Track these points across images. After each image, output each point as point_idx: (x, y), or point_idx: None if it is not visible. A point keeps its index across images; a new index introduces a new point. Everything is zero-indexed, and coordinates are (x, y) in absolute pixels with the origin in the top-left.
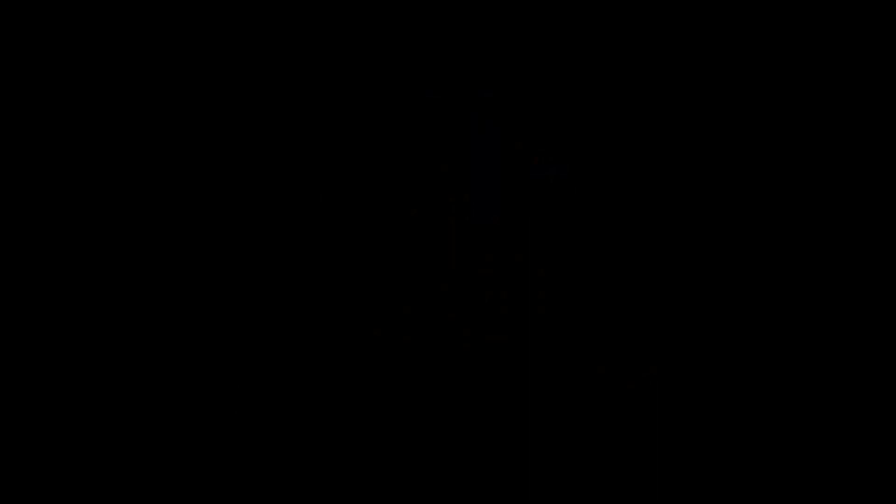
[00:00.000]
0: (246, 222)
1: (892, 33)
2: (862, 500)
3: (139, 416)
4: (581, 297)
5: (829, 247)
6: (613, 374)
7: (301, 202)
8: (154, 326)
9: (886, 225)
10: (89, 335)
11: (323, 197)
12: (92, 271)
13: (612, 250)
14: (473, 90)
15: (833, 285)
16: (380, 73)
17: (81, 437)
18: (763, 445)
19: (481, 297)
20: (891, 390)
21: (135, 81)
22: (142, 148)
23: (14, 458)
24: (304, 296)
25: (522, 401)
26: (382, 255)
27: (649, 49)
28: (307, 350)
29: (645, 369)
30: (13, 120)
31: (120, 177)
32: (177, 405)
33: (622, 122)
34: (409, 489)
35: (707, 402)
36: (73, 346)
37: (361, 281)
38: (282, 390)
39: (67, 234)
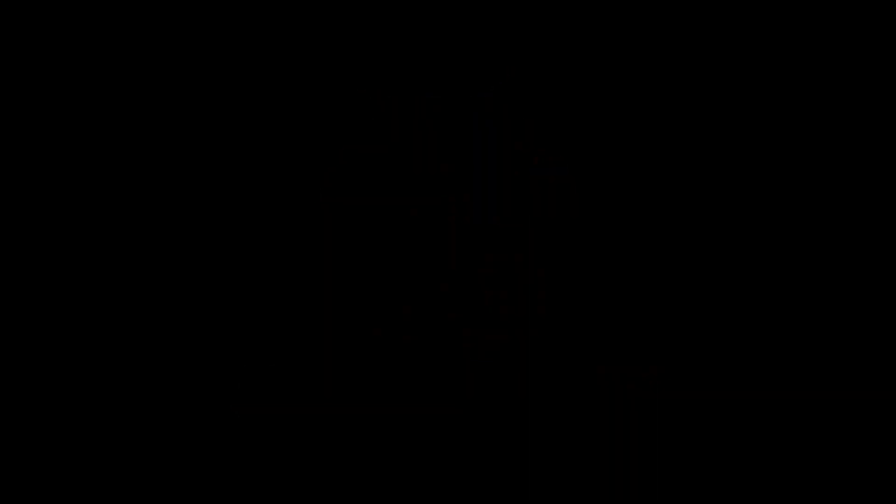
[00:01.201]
0: (246, 222)
1: (893, 33)
2: (862, 500)
3: (140, 416)
4: (581, 297)
5: (828, 247)
6: (613, 374)
7: (301, 202)
8: (154, 327)
9: (886, 225)
10: (90, 335)
11: (323, 197)
12: (92, 272)
13: (611, 251)
14: (473, 90)
15: (833, 285)
16: (380, 73)
17: (82, 437)
18: (763, 445)
19: (481, 297)
20: (891, 390)
21: (135, 82)
22: (142, 148)
23: (14, 458)
24: (304, 296)
25: (522, 401)
26: (382, 255)
27: (649, 49)
28: (307, 350)
29: (645, 369)
30: (13, 120)
31: (120, 177)
32: (177, 405)
33: (622, 123)
34: (410, 489)
35: (707, 402)
36: (74, 347)
37: (361, 281)
38: (282, 390)
39: (67, 234)
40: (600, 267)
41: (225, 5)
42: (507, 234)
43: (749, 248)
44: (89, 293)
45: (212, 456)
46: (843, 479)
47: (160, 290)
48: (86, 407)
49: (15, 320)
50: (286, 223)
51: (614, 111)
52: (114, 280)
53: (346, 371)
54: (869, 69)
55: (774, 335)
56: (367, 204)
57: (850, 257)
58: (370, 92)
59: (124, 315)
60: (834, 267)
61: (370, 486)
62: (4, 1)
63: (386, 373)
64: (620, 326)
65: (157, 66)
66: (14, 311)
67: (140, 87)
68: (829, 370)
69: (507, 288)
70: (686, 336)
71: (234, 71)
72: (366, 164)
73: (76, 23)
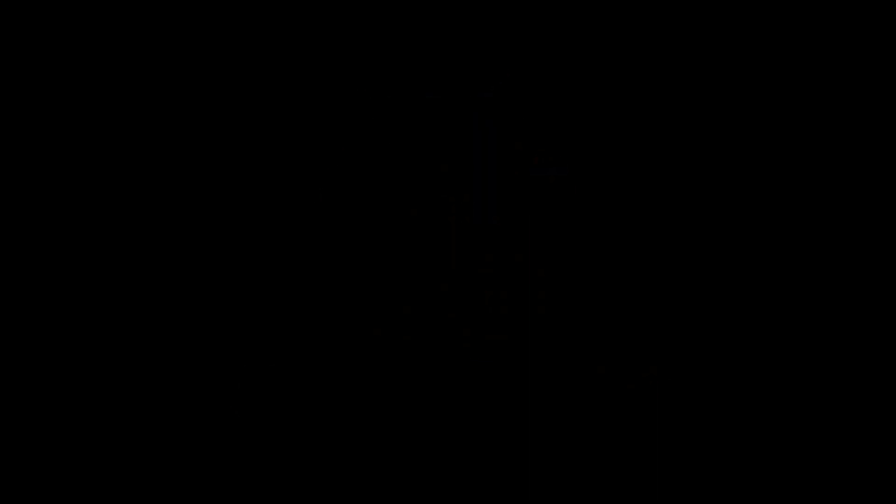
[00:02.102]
0: (246, 222)
1: (893, 33)
2: (862, 500)
3: (140, 416)
4: (581, 297)
5: (828, 247)
6: (613, 374)
7: (301, 202)
8: (154, 327)
9: (886, 225)
10: (90, 335)
11: (323, 197)
12: (92, 272)
13: (611, 251)
14: (473, 90)
15: (833, 285)
16: (380, 73)
17: (82, 437)
18: (763, 445)
19: (481, 297)
20: (891, 390)
21: (135, 82)
22: (142, 148)
23: (14, 458)
24: (304, 296)
25: (522, 401)
26: (382, 255)
27: (649, 49)
28: (307, 350)
29: (645, 369)
30: (13, 120)
31: (120, 177)
32: (177, 405)
33: (622, 123)
34: (410, 489)
35: (707, 402)
36: (74, 347)
37: (361, 281)
38: (282, 390)
39: (67, 234)
40: (600, 267)
41: (225, 5)
42: (507, 234)
43: (749, 249)
44: (90, 293)
45: (212, 456)
46: (843, 479)
47: (160, 291)
48: (86, 407)
49: (15, 321)
50: (286, 223)
51: (614, 112)
52: (114, 280)
53: (346, 371)
54: (869, 69)
55: (774, 335)
56: (367, 204)
57: (850, 258)
58: (370, 92)
59: (125, 315)
60: (833, 267)
61: (370, 486)
62: (4, 1)
63: (386, 373)
64: (620, 327)
65: (158, 66)
66: (14, 311)
67: (140, 87)
68: (829, 370)
69: (507, 288)
70: (686, 336)
71: (234, 71)
72: (366, 164)
73: (76, 23)
